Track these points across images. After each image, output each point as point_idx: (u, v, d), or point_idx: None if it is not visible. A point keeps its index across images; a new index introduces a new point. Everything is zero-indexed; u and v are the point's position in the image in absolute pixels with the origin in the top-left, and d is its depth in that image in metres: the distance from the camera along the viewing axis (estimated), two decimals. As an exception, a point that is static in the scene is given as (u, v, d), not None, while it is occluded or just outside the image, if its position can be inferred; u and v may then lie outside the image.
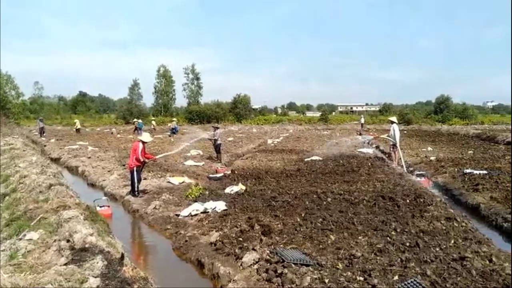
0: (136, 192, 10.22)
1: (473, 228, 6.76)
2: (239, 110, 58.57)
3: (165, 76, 64.23)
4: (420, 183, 11.26)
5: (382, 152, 19.63)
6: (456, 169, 12.69)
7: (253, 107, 66.51)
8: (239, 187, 10.25)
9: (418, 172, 12.97)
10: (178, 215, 8.37)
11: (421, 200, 8.37)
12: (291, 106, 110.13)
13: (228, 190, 10.18)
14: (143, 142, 10.42)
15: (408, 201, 8.38)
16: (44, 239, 5.41)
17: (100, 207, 9.06)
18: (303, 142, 25.29)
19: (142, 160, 10.30)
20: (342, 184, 10.56)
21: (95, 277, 4.22)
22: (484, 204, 8.80)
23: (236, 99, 60.33)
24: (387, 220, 6.97)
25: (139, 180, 10.36)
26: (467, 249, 5.51)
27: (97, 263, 4.53)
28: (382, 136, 18.23)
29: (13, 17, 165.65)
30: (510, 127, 35.66)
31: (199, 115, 55.49)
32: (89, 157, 17.72)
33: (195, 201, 9.17)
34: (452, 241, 5.87)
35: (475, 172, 11.83)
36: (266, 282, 4.82)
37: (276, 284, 4.70)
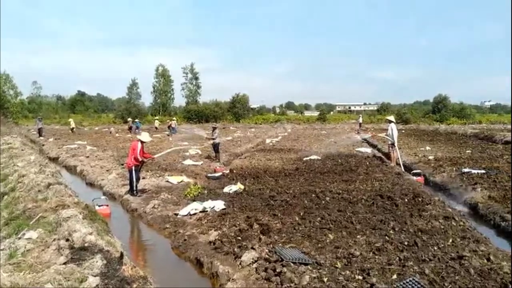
0: (135, 191, 10.22)
1: (471, 227, 6.79)
2: (237, 109, 58.61)
3: (163, 76, 64.30)
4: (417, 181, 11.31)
5: (380, 150, 19.69)
6: (454, 169, 12.73)
7: (251, 106, 66.58)
8: (238, 186, 10.26)
9: (414, 171, 13.01)
10: (177, 214, 8.37)
11: (419, 199, 8.39)
12: (289, 105, 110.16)
13: (226, 189, 10.19)
14: (142, 142, 10.42)
15: (406, 200, 8.40)
16: (43, 238, 5.40)
17: (99, 206, 9.06)
18: (301, 142, 25.32)
19: (140, 159, 10.30)
20: (340, 183, 10.58)
21: (95, 276, 4.22)
22: (482, 203, 8.83)
23: (234, 99, 60.36)
24: (385, 219, 6.99)
25: (137, 179, 10.36)
26: (465, 248, 5.53)
27: (97, 262, 4.53)
28: (380, 135, 18.26)
29: (10, 15, 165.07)
30: (510, 126, 35.76)
31: (198, 114, 55.50)
32: (88, 157, 17.71)
33: (194, 200, 9.18)
34: (450, 240, 5.89)
35: (473, 171, 11.87)
36: (265, 281, 4.83)
37: (275, 283, 4.71)
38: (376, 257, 5.30)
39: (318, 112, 66.90)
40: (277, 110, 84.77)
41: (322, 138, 28.84)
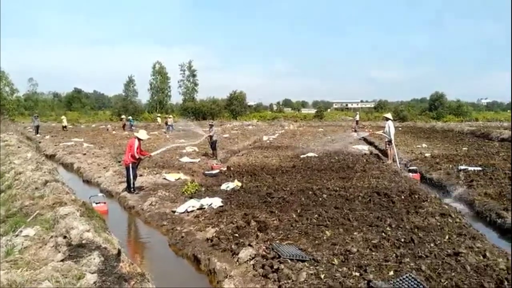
0: (132, 189, 10.21)
1: (467, 224, 6.83)
2: (234, 106, 58.55)
3: (160, 73, 64.09)
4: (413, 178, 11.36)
5: (377, 148, 19.73)
6: (450, 166, 12.78)
7: (248, 104, 66.53)
8: (235, 184, 10.26)
9: (410, 168, 13.06)
10: (174, 212, 8.37)
11: (416, 196, 8.42)
12: (287, 103, 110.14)
13: (224, 186, 10.19)
14: (139, 139, 10.41)
15: (403, 197, 8.42)
16: (40, 235, 5.40)
17: (96, 203, 9.04)
18: (298, 139, 25.34)
19: (137, 157, 10.29)
20: (337, 181, 10.60)
21: (92, 273, 4.22)
22: (478, 200, 8.87)
23: (232, 96, 60.28)
24: (382, 216, 7.01)
25: (135, 177, 10.35)
26: (462, 245, 5.56)
27: (94, 259, 4.53)
28: (377, 132, 18.29)
29: (7, 13, 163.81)
30: (506, 124, 35.87)
31: (195, 112, 55.41)
32: (85, 154, 17.67)
33: (191, 197, 9.17)
34: (447, 237, 5.92)
35: (469, 168, 11.92)
36: (263, 278, 4.85)
37: (273, 279, 4.73)
38: (373, 253, 5.32)
39: (315, 110, 66.92)
40: (274, 107, 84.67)
41: (319, 135, 28.85)
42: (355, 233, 6.16)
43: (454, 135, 27.18)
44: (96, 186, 12.09)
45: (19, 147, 16.24)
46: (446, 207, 7.83)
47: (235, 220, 7.10)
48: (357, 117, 44.23)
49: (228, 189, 9.96)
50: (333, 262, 5.05)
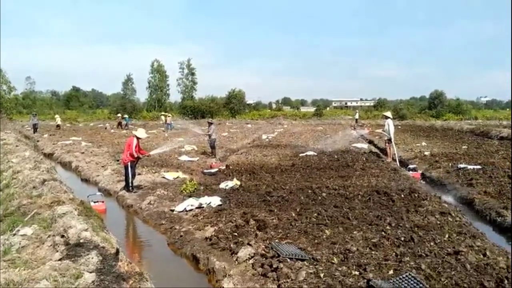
0: (131, 188, 10.17)
1: (467, 223, 6.81)
2: (233, 105, 58.47)
3: (159, 71, 63.92)
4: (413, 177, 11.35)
5: (376, 146, 19.72)
6: (450, 164, 12.77)
7: (247, 102, 66.45)
8: (234, 182, 10.24)
9: (410, 166, 13.05)
10: (172, 211, 8.34)
11: (416, 195, 8.41)
12: (286, 101, 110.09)
13: (223, 185, 10.16)
14: (138, 138, 10.37)
15: (402, 196, 8.41)
16: (38, 235, 5.37)
17: (94, 202, 9.00)
18: (297, 137, 25.31)
19: (136, 155, 10.25)
20: (337, 179, 10.58)
21: (90, 272, 4.20)
22: (478, 199, 8.86)
23: (230, 94, 60.19)
24: (382, 215, 6.99)
25: (133, 175, 10.31)
26: (462, 244, 5.55)
27: (92, 258, 4.51)
28: (377, 130, 18.27)
29: (5, 12, 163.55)
30: (506, 122, 35.89)
31: (193, 110, 55.31)
32: (83, 153, 17.61)
33: (190, 196, 9.14)
34: (447, 236, 5.91)
35: (469, 167, 11.90)
36: (262, 277, 4.82)
37: (272, 278, 4.71)
38: (373, 252, 5.30)
39: (315, 108, 66.90)
40: (273, 105, 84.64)
41: (319, 134, 28.83)
42: (354, 232, 6.14)
43: (453, 134, 27.20)
44: (94, 185, 12.05)
45: (17, 145, 16.21)
46: (446, 205, 7.82)
47: (234, 219, 7.07)
48: (357, 116, 44.31)
49: (227, 188, 9.93)
50: (333, 261, 5.03)
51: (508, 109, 66.56)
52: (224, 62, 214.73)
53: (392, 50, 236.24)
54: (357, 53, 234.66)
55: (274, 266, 4.89)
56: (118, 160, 14.03)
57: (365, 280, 4.45)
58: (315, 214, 7.10)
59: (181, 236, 6.84)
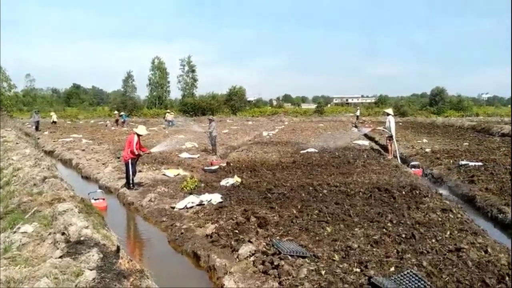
0: (131, 185, 10.17)
1: (469, 220, 6.80)
2: (234, 102, 58.35)
3: (159, 68, 63.76)
4: (414, 174, 11.32)
5: (377, 143, 19.69)
6: (451, 161, 12.74)
7: (248, 99, 66.31)
8: (235, 180, 10.22)
9: (412, 163, 13.02)
10: (173, 208, 8.33)
11: (417, 191, 8.39)
12: (287, 98, 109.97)
13: (223, 182, 10.15)
14: (138, 135, 10.36)
15: (404, 192, 8.39)
16: (39, 232, 5.36)
17: (95, 200, 9.00)
18: (298, 134, 25.28)
19: (137, 153, 10.25)
20: (338, 176, 10.56)
21: (91, 270, 4.19)
22: (480, 196, 8.84)
23: (231, 91, 60.07)
24: (383, 212, 6.98)
25: (134, 173, 10.30)
26: (463, 240, 5.54)
27: (93, 255, 4.50)
28: (378, 128, 18.23)
29: (6, 10, 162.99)
30: (510, 118, 35.78)
31: (194, 107, 55.21)
32: (83, 150, 17.62)
33: (191, 193, 9.13)
34: (448, 233, 5.90)
35: (470, 164, 11.87)
36: (263, 274, 4.82)
37: (273, 276, 4.70)
38: (374, 249, 5.29)
39: (315, 105, 66.74)
40: (274, 102, 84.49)
41: (320, 131, 28.80)
42: (355, 229, 6.13)
43: (454, 130, 27.15)
44: (95, 182, 12.05)
45: (17, 143, 16.20)
46: (448, 202, 7.80)
47: (235, 216, 7.06)
48: (358, 113, 44.13)
49: (227, 185, 9.92)
50: (334, 258, 5.02)
51: (510, 106, 66.33)
52: (225, 59, 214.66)
53: (393, 47, 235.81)
54: (357, 48, 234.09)
55: (275, 264, 4.88)
56: (118, 158, 14.02)
57: (366, 277, 4.45)
58: (316, 211, 7.09)
59: (181, 233, 6.84)
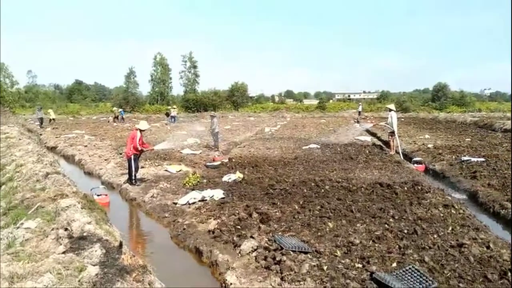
0: (134, 181, 10.19)
1: (471, 215, 6.79)
2: (236, 98, 58.28)
3: (161, 64, 63.67)
4: (416, 169, 11.31)
5: (379, 139, 19.65)
6: (453, 157, 12.72)
7: (250, 95, 66.22)
8: (237, 175, 10.23)
9: (415, 159, 13.00)
10: (175, 203, 8.35)
11: (419, 187, 8.39)
12: (289, 94, 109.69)
13: (225, 178, 10.16)
14: (141, 131, 10.37)
15: (406, 188, 8.39)
16: (42, 228, 5.38)
17: (98, 195, 9.03)
18: (300, 130, 25.27)
19: (139, 148, 10.26)
20: (340, 172, 10.56)
21: (94, 265, 4.21)
22: (482, 191, 8.82)
23: (233, 87, 59.98)
24: (385, 208, 6.98)
25: (136, 169, 10.32)
26: (465, 236, 5.54)
27: (96, 251, 4.52)
28: (380, 123, 18.18)
29: (8, 6, 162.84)
30: (510, 114, 35.64)
31: (196, 103, 55.18)
32: (86, 146, 17.65)
33: (193, 189, 9.15)
34: (450, 228, 5.90)
35: (472, 159, 11.85)
36: (265, 270, 4.83)
37: (275, 271, 4.71)
38: (376, 245, 5.30)
39: (318, 101, 66.61)
40: (276, 98, 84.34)
41: (322, 126, 28.76)
42: (357, 225, 6.13)
43: (457, 126, 27.08)
44: (98, 178, 12.08)
45: (20, 139, 16.21)
46: (450, 198, 7.79)
47: (237, 212, 7.07)
48: (360, 108, 44.00)
49: (230, 180, 9.93)
50: (336, 254, 5.03)
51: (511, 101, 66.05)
52: (226, 55, 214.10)
53: (395, 42, 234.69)
54: (360, 43, 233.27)
55: (277, 259, 4.89)
56: (121, 153, 14.05)
57: (369, 273, 4.46)
58: (318, 207, 7.10)
59: (184, 229, 6.86)
